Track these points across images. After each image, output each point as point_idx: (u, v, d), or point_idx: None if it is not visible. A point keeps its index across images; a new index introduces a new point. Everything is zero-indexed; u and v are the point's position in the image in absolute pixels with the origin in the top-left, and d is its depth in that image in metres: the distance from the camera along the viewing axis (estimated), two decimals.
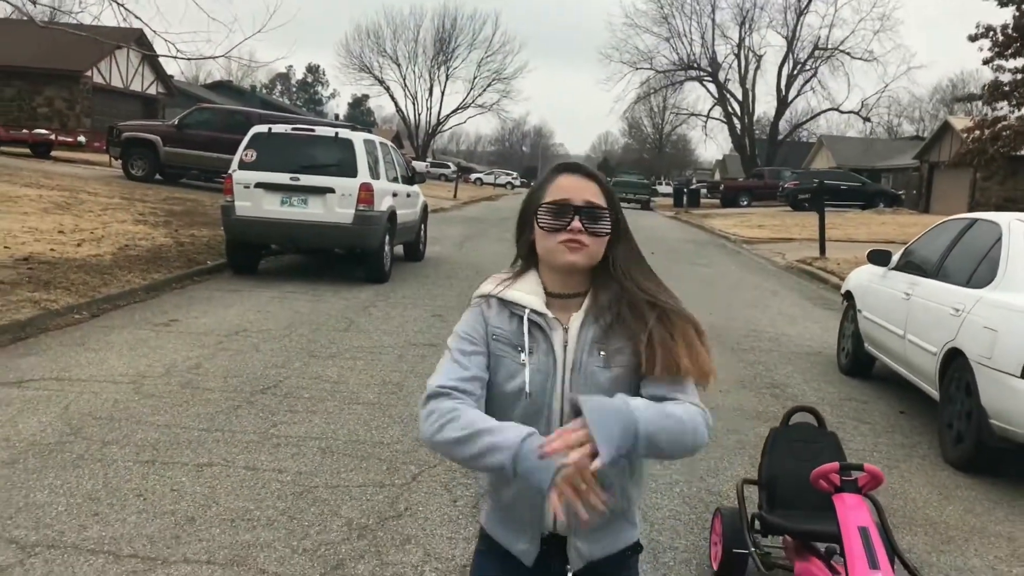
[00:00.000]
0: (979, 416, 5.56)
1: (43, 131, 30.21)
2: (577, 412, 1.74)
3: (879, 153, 55.35)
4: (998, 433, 5.44)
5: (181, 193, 20.54)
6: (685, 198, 48.03)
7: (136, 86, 42.14)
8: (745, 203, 44.33)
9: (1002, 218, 6.50)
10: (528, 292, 1.93)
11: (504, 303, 1.94)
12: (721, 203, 46.33)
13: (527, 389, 1.86)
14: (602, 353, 1.87)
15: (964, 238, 6.86)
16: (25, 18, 14.96)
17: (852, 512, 3.31)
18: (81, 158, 29.74)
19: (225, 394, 6.20)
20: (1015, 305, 5.53)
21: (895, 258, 7.90)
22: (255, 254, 12.12)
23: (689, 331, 1.88)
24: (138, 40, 29.74)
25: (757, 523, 3.87)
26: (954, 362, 6.05)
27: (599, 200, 1.89)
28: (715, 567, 4.00)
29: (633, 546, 2.02)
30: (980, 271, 6.23)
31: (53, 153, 29.12)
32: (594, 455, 1.66)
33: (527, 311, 1.90)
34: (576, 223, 1.85)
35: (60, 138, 30.53)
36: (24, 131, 29.75)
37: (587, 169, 1.96)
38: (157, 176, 22.86)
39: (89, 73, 37.28)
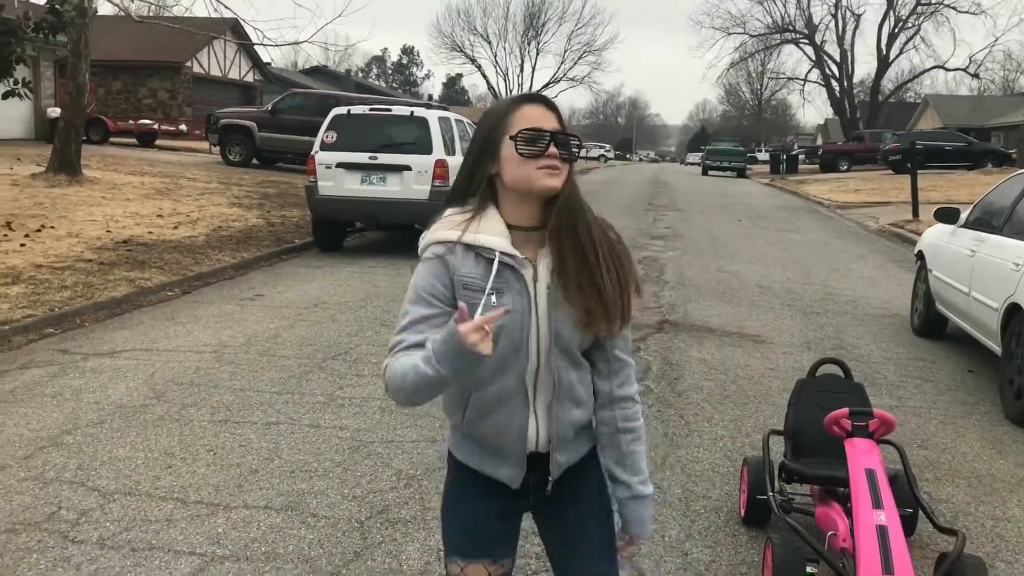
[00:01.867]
0: None
1: (147, 121, 31.63)
2: (557, 352, 1.98)
3: (991, 110, 52.88)
4: None
5: (276, 176, 21.30)
6: (782, 164, 46.96)
7: (234, 74, 43.56)
8: (844, 167, 43.06)
9: None
10: (494, 233, 1.95)
11: (470, 247, 1.95)
12: (820, 168, 45.15)
13: (503, 328, 1.88)
14: (568, 290, 1.97)
15: None
16: (123, 14, 15.72)
17: (861, 456, 3.41)
18: (183, 146, 31.07)
19: (299, 360, 6.59)
20: None
21: (964, 215, 7.76)
22: (339, 232, 12.58)
23: (629, 268, 2.06)
24: (233, 29, 30.82)
25: (782, 472, 4.00)
26: (1015, 317, 5.98)
27: (562, 128, 1.98)
28: (743, 514, 4.15)
29: (594, 445, 2.17)
30: None
31: (157, 142, 30.48)
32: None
33: (496, 254, 1.93)
34: (553, 148, 1.93)
35: (163, 127, 31.91)
36: (130, 122, 31.20)
37: (548, 99, 2.03)
38: (254, 161, 23.71)
39: (188, 64, 38.73)
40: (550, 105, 2.01)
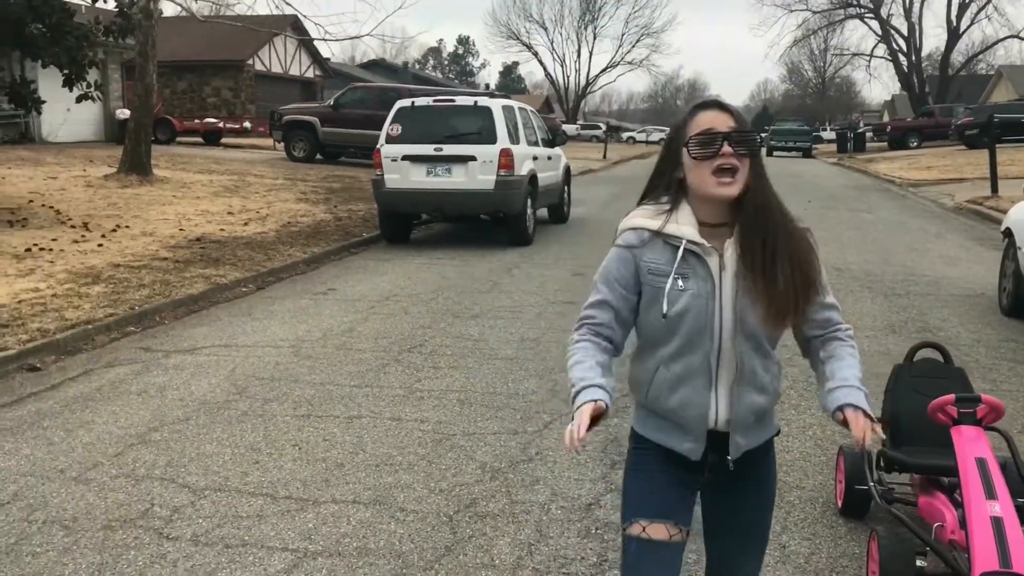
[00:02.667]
0: None
1: (212, 120, 32.19)
2: (742, 338, 2.11)
3: None
4: None
5: (340, 171, 21.49)
6: (850, 143, 45.91)
7: (295, 70, 44.11)
8: (915, 144, 41.92)
9: None
10: (685, 224, 2.13)
11: (660, 235, 2.14)
12: (888, 146, 44.04)
13: (664, 310, 2.10)
14: (755, 284, 2.10)
15: None
16: (186, 14, 15.97)
17: (969, 444, 3.26)
18: (248, 143, 31.52)
19: (375, 354, 6.60)
20: None
21: None
22: (406, 224, 12.62)
23: (809, 267, 2.16)
24: (293, 25, 31.15)
25: (881, 460, 3.86)
26: None
27: (738, 126, 2.10)
28: (839, 504, 4.02)
29: (775, 433, 2.30)
30: None
31: (223, 140, 30.99)
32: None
33: (684, 242, 2.10)
34: (726, 147, 2.05)
35: (228, 125, 32.43)
36: (196, 121, 31.78)
37: (721, 102, 2.16)
38: (317, 156, 23.93)
39: (250, 62, 39.31)
40: (724, 107, 2.13)
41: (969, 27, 58.79)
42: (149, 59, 15.86)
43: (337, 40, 22.73)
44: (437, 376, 6.06)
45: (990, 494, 3.07)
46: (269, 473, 4.44)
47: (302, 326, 7.48)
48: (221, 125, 31.70)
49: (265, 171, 20.08)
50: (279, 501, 4.12)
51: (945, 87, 58.14)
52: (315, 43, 40.51)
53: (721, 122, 2.08)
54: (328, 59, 48.36)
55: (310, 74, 45.37)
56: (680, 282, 2.10)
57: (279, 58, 42.22)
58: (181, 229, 11.66)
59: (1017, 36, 58.40)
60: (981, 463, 3.17)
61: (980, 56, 64.57)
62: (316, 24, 18.68)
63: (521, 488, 4.25)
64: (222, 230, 11.87)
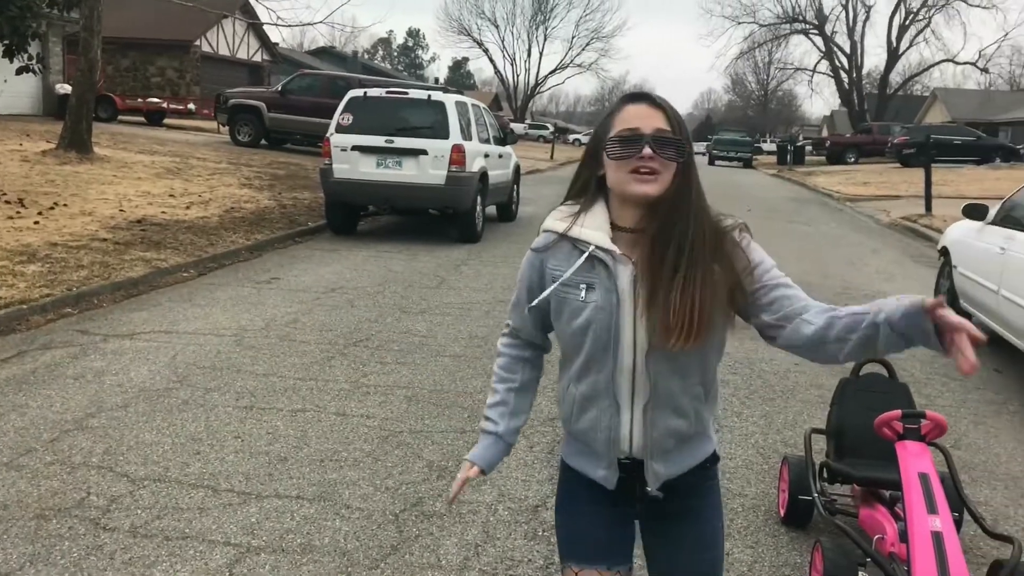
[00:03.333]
0: None
1: (156, 100, 31.49)
2: (656, 356, 1.88)
3: (999, 106, 52.70)
4: None
5: (285, 157, 21.19)
6: (789, 155, 46.77)
7: (242, 54, 43.38)
8: (852, 159, 42.89)
9: None
10: (594, 228, 1.92)
11: (567, 239, 1.95)
12: (827, 160, 44.97)
13: (590, 326, 1.90)
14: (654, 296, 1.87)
15: None
16: None
17: (913, 459, 3.34)
18: (192, 125, 30.93)
19: (320, 346, 6.52)
20: None
21: (992, 212, 7.67)
22: (353, 215, 12.50)
23: (720, 283, 1.88)
24: (243, 8, 30.66)
25: (824, 471, 3.93)
26: None
27: (668, 127, 1.87)
28: (782, 513, 4.09)
29: (710, 458, 2.07)
30: None
31: (166, 121, 30.34)
32: None
33: (591, 247, 1.91)
34: (647, 150, 1.84)
35: (172, 106, 31.77)
36: (139, 100, 31.06)
37: (654, 96, 1.92)
38: (262, 141, 23.59)
39: (198, 43, 38.55)
40: (656, 103, 1.90)
41: (908, 49, 60.45)
42: (94, 34, 15.43)
43: (289, 26, 22.59)
44: (384, 371, 6.00)
45: (931, 509, 3.14)
46: (210, 465, 4.35)
47: (245, 315, 7.35)
48: (165, 105, 31.03)
49: (209, 154, 19.70)
50: (221, 494, 4.04)
51: (883, 105, 59.63)
52: (264, 28, 39.88)
53: (648, 121, 1.86)
54: (277, 44, 47.67)
55: (258, 58, 44.67)
56: (583, 292, 1.91)
57: (227, 40, 41.48)
58: (121, 210, 11.38)
59: (952, 60, 60.17)
60: (924, 478, 3.24)
61: (917, 77, 66.34)
62: (268, 9, 18.59)
63: (468, 488, 4.22)
64: (163, 213, 11.62)
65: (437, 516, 3.93)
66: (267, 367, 5.96)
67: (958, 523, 3.72)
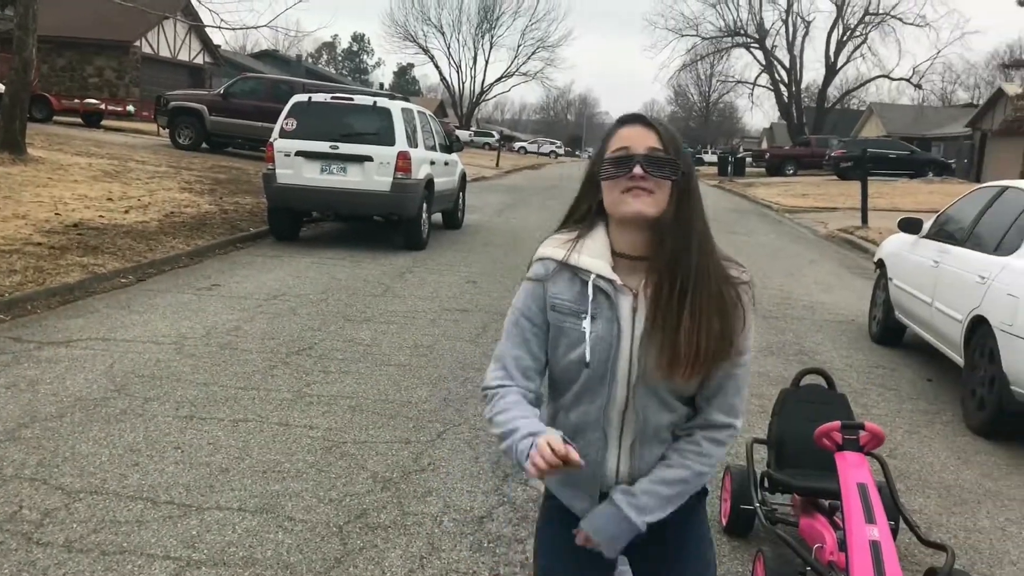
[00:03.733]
0: (1001, 382, 5.59)
1: (94, 101, 30.81)
2: (644, 390, 1.87)
3: (931, 121, 54.20)
4: (1018, 399, 5.48)
5: (227, 161, 20.90)
6: (730, 167, 47.52)
7: (183, 56, 42.70)
8: (791, 172, 43.75)
9: None
10: (594, 256, 1.89)
11: (567, 267, 1.91)
12: (767, 172, 45.78)
13: (587, 359, 1.86)
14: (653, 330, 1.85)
15: (994, 206, 6.84)
16: None
17: (852, 469, 3.41)
18: (130, 127, 30.33)
19: (262, 355, 6.43)
20: None
21: (927, 226, 7.88)
22: (296, 221, 12.36)
23: (730, 318, 1.88)
24: (184, 10, 30.17)
25: (765, 481, 3.99)
26: (979, 329, 6.08)
27: (661, 147, 1.86)
28: (723, 523, 4.14)
29: (696, 495, 2.03)
30: (1008, 238, 6.23)
31: (103, 122, 29.71)
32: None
33: (592, 276, 1.87)
34: (638, 169, 1.82)
35: (110, 107, 31.13)
36: (76, 101, 30.36)
37: (647, 118, 1.92)
38: (203, 145, 23.23)
39: (138, 43, 37.86)
40: (649, 124, 1.90)
41: (845, 64, 61.91)
42: (29, 32, 15.05)
43: (232, 29, 22.11)
44: (327, 381, 5.94)
45: (869, 519, 3.21)
46: (149, 476, 4.26)
47: (185, 322, 7.23)
48: (103, 107, 30.36)
49: (148, 157, 19.33)
50: (160, 506, 3.96)
51: (821, 119, 60.97)
52: (207, 30, 39.30)
53: (641, 140, 1.85)
54: (219, 46, 47.02)
55: (200, 60, 44.00)
56: (584, 322, 1.87)
57: (168, 42, 40.80)
58: (57, 213, 11.10)
59: (887, 76, 61.82)
60: (862, 488, 3.31)
61: (854, 92, 67.98)
62: (210, 11, 18.13)
63: (413, 499, 4.20)
64: (101, 217, 11.36)
65: (382, 528, 3.90)
66: (208, 376, 5.86)
67: (894, 531, 3.81)
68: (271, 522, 3.88)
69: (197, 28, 39.21)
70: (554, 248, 1.95)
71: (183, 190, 15.02)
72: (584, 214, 1.97)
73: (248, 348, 6.59)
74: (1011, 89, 35.23)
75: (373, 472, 4.49)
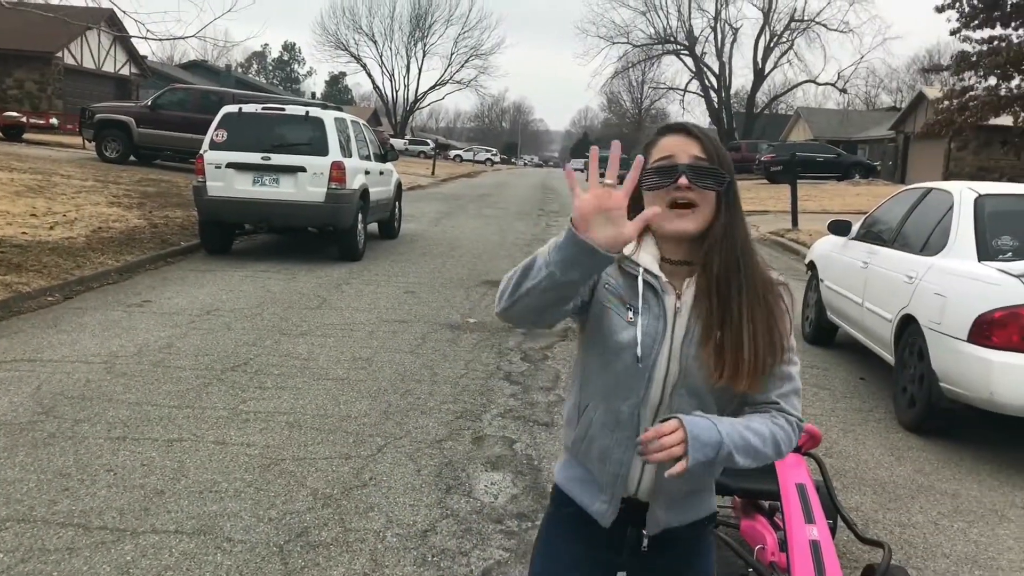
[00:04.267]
0: (930, 379, 5.74)
1: (14, 113, 29.91)
2: (684, 393, 1.82)
3: (856, 124, 55.61)
4: (947, 395, 5.62)
5: (155, 174, 20.47)
6: None
7: (108, 67, 41.76)
8: None
9: (954, 187, 6.66)
10: (645, 251, 1.87)
11: (619, 258, 1.85)
12: None
13: (638, 352, 1.81)
14: (707, 334, 1.83)
15: (919, 207, 7.02)
16: None
17: (790, 470, 3.46)
18: (54, 140, 29.51)
19: (196, 372, 6.30)
20: (962, 271, 5.70)
21: (855, 228, 8.06)
22: (228, 234, 12.16)
23: (780, 327, 1.87)
24: (109, 20, 29.50)
25: None
26: (908, 328, 6.23)
27: (705, 156, 1.83)
28: None
29: (710, 516, 2.01)
30: (933, 239, 6.40)
31: (25, 136, 28.87)
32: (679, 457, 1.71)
33: (641, 270, 1.84)
34: (683, 179, 1.79)
35: (32, 120, 30.27)
36: None
37: (691, 127, 1.88)
38: (131, 158, 22.74)
39: (60, 54, 36.91)
40: (691, 132, 1.86)
41: (773, 70, 63.32)
42: None
43: (159, 40, 21.70)
44: (264, 397, 5.84)
45: (809, 519, 3.26)
46: (81, 501, 4.13)
47: (115, 340, 7.04)
48: (24, 120, 29.49)
49: (73, 171, 18.82)
50: (92, 532, 3.83)
51: (751, 124, 62.20)
52: (132, 40, 38.50)
53: (684, 149, 1.82)
54: (145, 57, 46.10)
55: (125, 71, 43.07)
56: (630, 313, 1.82)
57: (92, 53, 39.86)
58: None
59: (814, 81, 63.33)
60: (801, 489, 3.36)
61: (781, 97, 69.45)
62: (136, 21, 17.72)
63: (355, 515, 4.15)
64: (24, 233, 11.03)
65: (323, 546, 3.83)
66: (140, 395, 5.71)
67: (832, 529, 3.87)
68: (209, 544, 3.79)
69: (122, 39, 38.37)
70: None
71: (111, 204, 14.66)
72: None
73: (181, 365, 6.45)
74: (931, 93, 36.30)
75: (313, 489, 4.42)
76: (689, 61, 63.80)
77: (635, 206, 1.79)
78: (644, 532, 1.92)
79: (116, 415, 5.32)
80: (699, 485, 1.95)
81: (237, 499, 4.25)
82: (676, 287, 1.87)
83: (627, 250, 1.84)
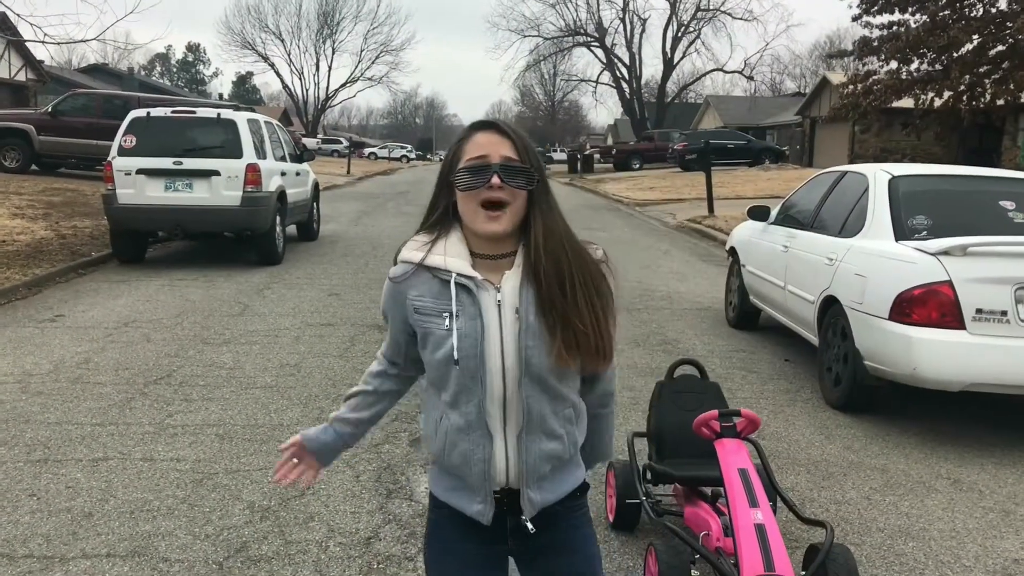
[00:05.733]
0: (854, 358, 5.89)
1: None
2: (528, 381, 1.90)
3: (764, 111, 56.89)
4: (871, 372, 5.78)
5: (60, 183, 19.75)
6: (579, 164, 48.48)
7: (2, 73, 40.08)
8: (637, 166, 45.06)
9: (868, 169, 6.84)
10: (453, 255, 1.92)
11: (426, 268, 1.93)
12: (614, 167, 46.97)
13: (455, 356, 1.87)
14: (544, 319, 1.89)
15: (835, 190, 7.20)
16: None
17: (732, 456, 3.49)
18: None
19: (117, 387, 6.08)
20: (881, 251, 5.86)
21: (774, 213, 8.22)
22: (141, 242, 11.80)
23: (609, 302, 1.98)
24: (1, 23, 28.30)
25: (648, 474, 4.05)
26: (830, 309, 6.38)
27: (516, 156, 1.90)
28: (611, 519, 4.17)
29: (581, 486, 2.09)
30: (850, 221, 6.56)
31: None
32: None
33: (453, 275, 1.90)
34: (495, 179, 1.86)
35: None
36: None
37: (502, 125, 1.95)
38: (32, 167, 21.93)
39: None
40: (503, 131, 1.93)
41: (681, 59, 64.37)
42: None
43: (58, 44, 20.83)
44: (190, 409, 5.67)
45: (752, 502, 3.30)
46: (3, 529, 3.94)
47: (28, 358, 6.76)
48: None
49: None
50: (18, 561, 3.66)
51: (663, 113, 63.11)
52: (28, 45, 37.03)
53: (496, 149, 1.88)
54: (43, 62, 44.39)
55: (21, 77, 41.39)
56: (446, 322, 1.89)
57: None
58: None
59: (721, 69, 64.60)
60: (743, 473, 3.40)
61: (691, 86, 70.73)
62: (32, 25, 17.01)
63: (295, 527, 4.05)
64: None
65: (265, 560, 3.73)
66: (59, 414, 5.49)
67: (773, 511, 3.93)
68: (145, 565, 3.65)
69: (16, 44, 36.85)
70: (412, 251, 1.97)
71: (14, 216, 14.09)
72: (441, 215, 1.99)
73: (101, 381, 6.22)
74: (835, 78, 37.34)
75: (249, 502, 4.30)
76: (600, 53, 64.41)
77: (446, 193, 1.96)
78: (523, 518, 1.97)
79: (35, 436, 5.09)
80: (561, 461, 2.00)
81: (171, 517, 4.11)
82: (494, 281, 1.92)
83: (435, 260, 1.92)
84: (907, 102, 25.70)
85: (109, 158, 11.25)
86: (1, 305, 8.74)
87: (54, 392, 5.93)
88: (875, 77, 25.65)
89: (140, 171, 11.00)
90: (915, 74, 24.74)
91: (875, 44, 25.31)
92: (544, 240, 1.90)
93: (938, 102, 24.27)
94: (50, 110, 22.27)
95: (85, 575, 3.56)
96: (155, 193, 11.04)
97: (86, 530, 3.95)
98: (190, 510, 4.19)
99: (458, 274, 1.90)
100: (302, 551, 3.82)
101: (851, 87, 26.25)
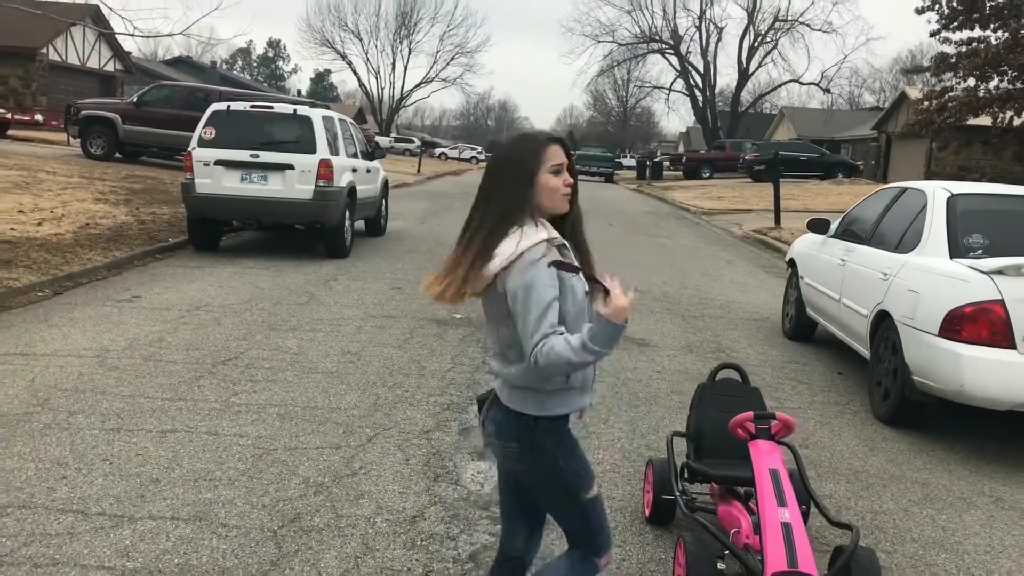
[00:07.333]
0: (903, 373, 5.92)
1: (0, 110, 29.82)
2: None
3: (839, 124, 55.98)
4: (919, 388, 5.80)
5: (141, 171, 20.50)
6: (648, 171, 48.36)
7: (93, 63, 41.61)
8: (707, 175, 44.76)
9: (928, 186, 6.84)
10: (548, 231, 2.63)
11: (549, 241, 2.60)
12: (684, 175, 46.73)
13: (586, 288, 2.65)
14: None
15: (895, 206, 7.21)
16: None
17: (764, 457, 3.62)
18: (39, 137, 29.44)
19: (187, 366, 6.41)
20: (935, 268, 5.88)
21: (834, 226, 8.24)
22: (216, 231, 12.25)
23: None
24: (94, 17, 29.45)
25: (686, 472, 4.18)
26: (883, 323, 6.41)
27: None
28: (647, 513, 4.32)
29: (534, 417, 2.73)
30: (907, 237, 6.58)
31: (10, 132, 28.79)
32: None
33: (559, 240, 2.65)
34: (570, 179, 2.68)
35: (16, 117, 30.18)
36: None
37: (564, 140, 2.73)
38: (116, 154, 22.76)
39: (44, 50, 36.77)
40: (564, 144, 2.70)
41: (757, 69, 63.67)
42: None
43: (145, 37, 21.56)
44: (255, 390, 5.96)
45: (781, 502, 3.42)
46: (79, 489, 4.25)
47: (106, 335, 7.14)
48: (9, 116, 29.40)
49: (59, 167, 18.85)
50: (91, 518, 3.96)
51: (735, 123, 62.48)
52: (117, 37, 38.40)
53: (563, 156, 2.65)
54: (130, 54, 45.97)
55: (110, 68, 42.92)
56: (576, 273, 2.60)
57: (77, 49, 39.71)
58: None
59: (798, 81, 63.66)
60: (774, 474, 3.52)
61: (766, 96, 69.85)
62: (123, 19, 17.76)
63: (346, 502, 4.28)
64: (12, 230, 11.08)
65: (316, 531, 3.97)
66: (133, 388, 5.83)
67: (805, 515, 4.04)
68: (205, 529, 3.91)
69: (107, 36, 38.25)
70: (535, 235, 2.57)
71: (98, 201, 14.72)
72: (522, 210, 2.64)
73: (173, 359, 6.56)
74: (913, 93, 36.62)
75: (305, 477, 4.55)
76: (674, 60, 64.15)
77: (530, 187, 2.63)
78: (590, 403, 2.80)
79: (110, 407, 5.43)
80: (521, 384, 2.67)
81: (231, 487, 4.37)
82: None
83: (541, 235, 2.57)
84: (985, 120, 25.12)
85: (189, 148, 11.71)
86: (83, 284, 9.19)
87: (129, 367, 6.28)
88: (951, 94, 25.13)
89: (218, 162, 11.42)
90: (994, 92, 24.17)
91: (952, 60, 24.79)
92: (576, 222, 2.81)
93: (1017, 121, 23.67)
94: (135, 100, 23.08)
95: (151, 534, 3.84)
96: (231, 184, 11.46)
97: (153, 494, 4.24)
98: (249, 481, 4.45)
99: (561, 240, 2.67)
100: (351, 525, 4.05)
101: (926, 103, 25.76)
